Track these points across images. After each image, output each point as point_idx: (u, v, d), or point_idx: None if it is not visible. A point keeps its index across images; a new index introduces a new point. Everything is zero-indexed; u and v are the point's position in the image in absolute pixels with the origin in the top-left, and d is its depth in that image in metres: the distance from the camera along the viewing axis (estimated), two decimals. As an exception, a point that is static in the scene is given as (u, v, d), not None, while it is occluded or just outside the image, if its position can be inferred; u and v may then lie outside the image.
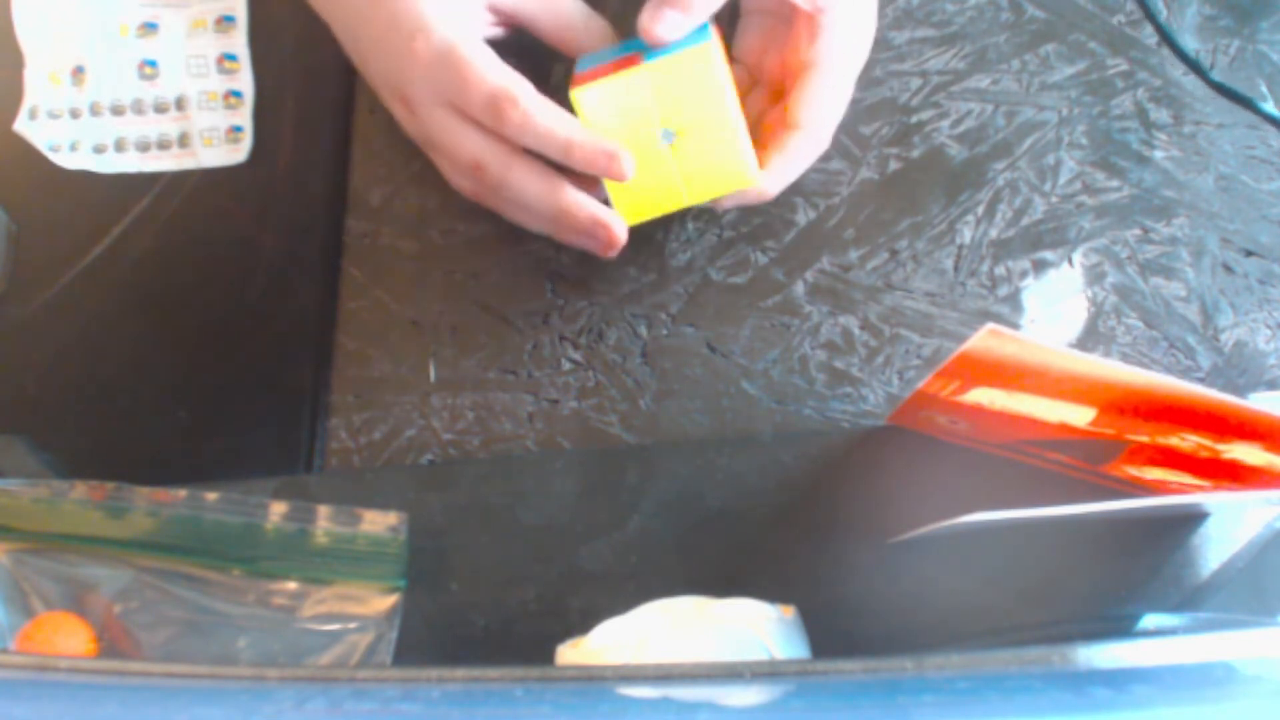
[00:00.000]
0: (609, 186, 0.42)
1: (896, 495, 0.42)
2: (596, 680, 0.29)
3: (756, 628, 0.36)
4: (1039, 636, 0.41)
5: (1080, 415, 0.38)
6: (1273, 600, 0.41)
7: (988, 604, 0.41)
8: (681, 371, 0.46)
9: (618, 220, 0.42)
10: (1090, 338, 0.45)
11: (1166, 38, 0.44)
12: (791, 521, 0.43)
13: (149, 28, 0.50)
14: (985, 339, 0.34)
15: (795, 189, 0.47)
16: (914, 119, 0.48)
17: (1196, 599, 0.41)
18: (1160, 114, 0.48)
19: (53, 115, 0.49)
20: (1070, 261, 0.46)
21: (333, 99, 0.49)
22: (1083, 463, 0.41)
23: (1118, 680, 0.28)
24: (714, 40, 0.40)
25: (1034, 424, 0.39)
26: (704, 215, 0.47)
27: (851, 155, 0.48)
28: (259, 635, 0.42)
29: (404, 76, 0.42)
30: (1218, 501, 0.41)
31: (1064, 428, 0.38)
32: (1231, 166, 0.47)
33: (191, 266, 0.48)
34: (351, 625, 0.42)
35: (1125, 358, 0.45)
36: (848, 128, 0.48)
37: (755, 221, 0.47)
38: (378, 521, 0.42)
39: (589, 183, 0.42)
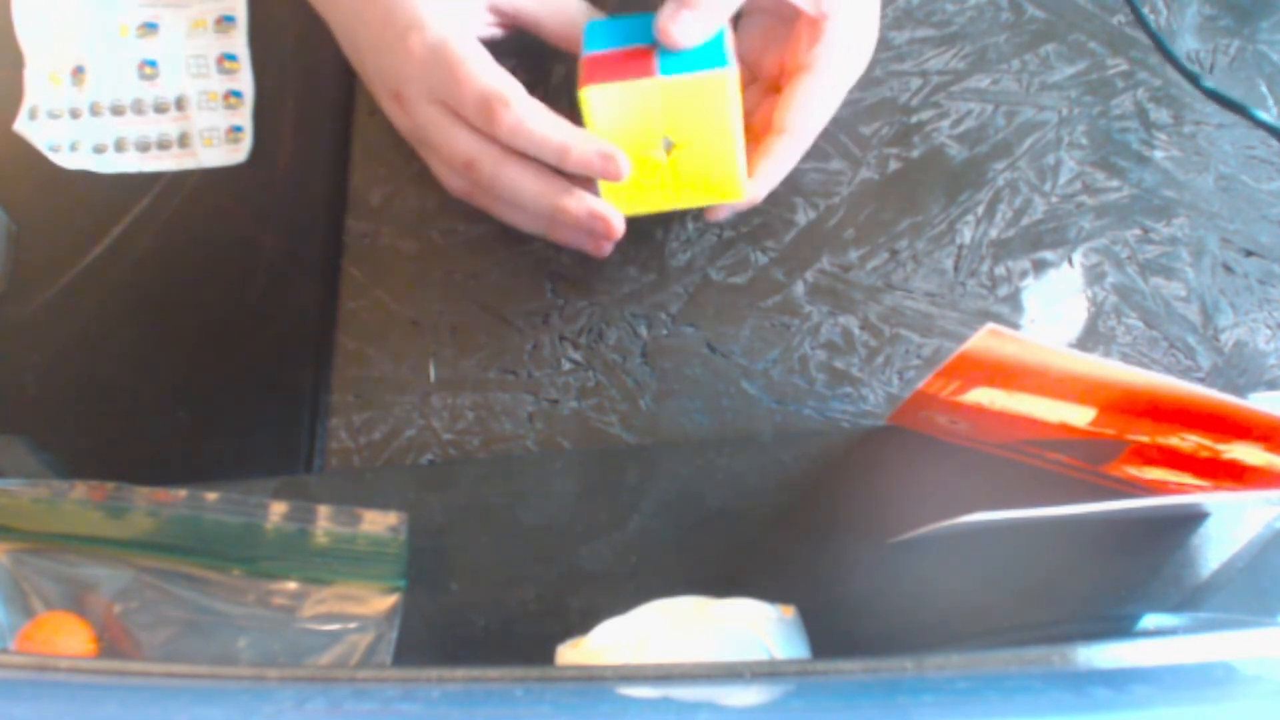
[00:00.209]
0: (601, 186, 0.42)
1: (896, 495, 0.42)
2: (596, 680, 0.29)
3: (756, 628, 0.36)
4: (1039, 636, 0.41)
5: (1080, 415, 0.38)
6: (1273, 600, 0.41)
7: (988, 604, 0.41)
8: (681, 371, 0.46)
9: (614, 211, 0.42)
10: (1090, 338, 0.45)
11: (1160, 45, 0.44)
12: (791, 521, 0.43)
13: (149, 28, 0.50)
14: (985, 339, 0.34)
15: (795, 189, 0.47)
16: (914, 119, 0.48)
17: (1196, 599, 0.41)
18: (1160, 114, 0.48)
19: (53, 115, 0.49)
20: (1070, 261, 0.46)
21: (333, 99, 0.49)
22: (1083, 463, 0.41)
23: (1118, 680, 0.28)
24: (733, 68, 0.40)
25: (1034, 424, 0.39)
26: (704, 215, 0.47)
27: (851, 155, 0.48)
28: (259, 635, 0.42)
29: (398, 74, 0.42)
30: (1218, 501, 0.41)
31: (1064, 428, 0.38)
32: (1231, 166, 0.47)
33: (191, 266, 0.48)
34: (351, 625, 0.42)
35: (1125, 358, 0.45)
36: (848, 128, 0.48)
37: (755, 221, 0.47)
38: (378, 521, 0.42)
39: (582, 180, 0.42)
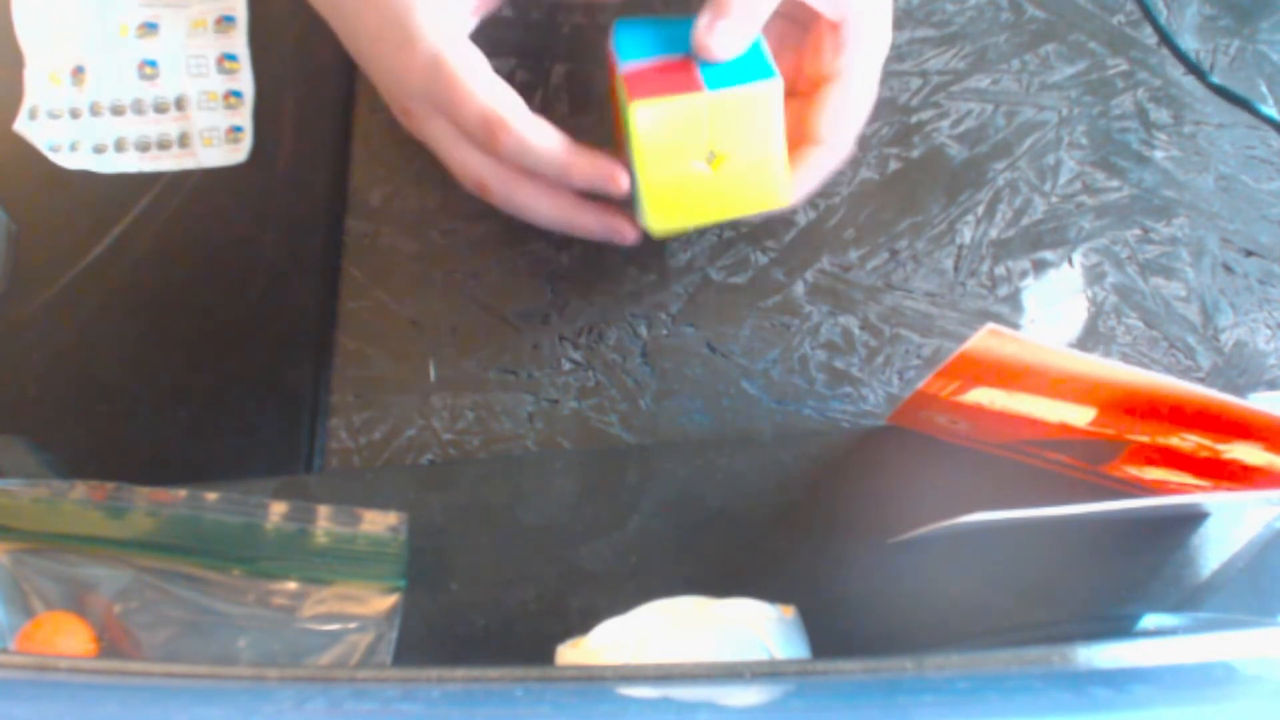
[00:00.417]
0: (645, 198, 0.41)
1: (896, 495, 0.42)
2: (596, 680, 0.29)
3: (756, 628, 0.36)
4: (1039, 636, 0.41)
5: (1080, 415, 0.38)
6: (1273, 600, 0.41)
7: (988, 604, 0.41)
8: (681, 371, 0.46)
9: (625, 223, 0.43)
10: (1090, 338, 0.45)
11: (1166, 39, 0.44)
12: (791, 521, 0.43)
13: (149, 28, 0.50)
14: (985, 339, 0.34)
15: (795, 189, 0.47)
16: (914, 119, 0.48)
17: (1196, 599, 0.41)
18: (1160, 114, 0.48)
19: (53, 115, 0.49)
20: (1070, 261, 0.46)
21: (333, 99, 0.49)
22: (1083, 463, 0.41)
23: (1118, 680, 0.28)
24: (778, 80, 0.40)
25: (1034, 424, 0.39)
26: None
27: (851, 155, 0.48)
28: (259, 635, 0.42)
29: (402, 88, 0.42)
30: (1218, 501, 0.41)
31: (1064, 428, 0.38)
32: (1231, 166, 0.47)
33: (191, 266, 0.48)
34: (351, 625, 0.42)
35: (1125, 358, 0.45)
36: (848, 128, 0.48)
37: (755, 221, 0.47)
38: (378, 521, 0.42)
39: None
